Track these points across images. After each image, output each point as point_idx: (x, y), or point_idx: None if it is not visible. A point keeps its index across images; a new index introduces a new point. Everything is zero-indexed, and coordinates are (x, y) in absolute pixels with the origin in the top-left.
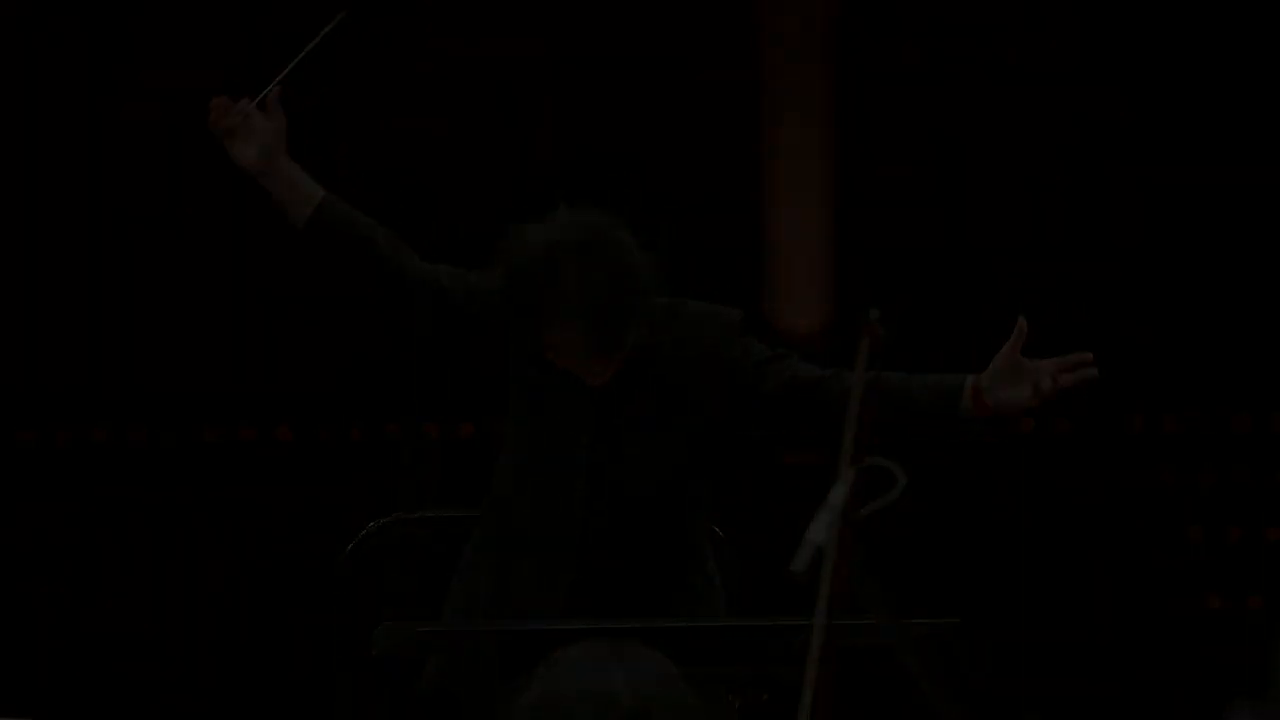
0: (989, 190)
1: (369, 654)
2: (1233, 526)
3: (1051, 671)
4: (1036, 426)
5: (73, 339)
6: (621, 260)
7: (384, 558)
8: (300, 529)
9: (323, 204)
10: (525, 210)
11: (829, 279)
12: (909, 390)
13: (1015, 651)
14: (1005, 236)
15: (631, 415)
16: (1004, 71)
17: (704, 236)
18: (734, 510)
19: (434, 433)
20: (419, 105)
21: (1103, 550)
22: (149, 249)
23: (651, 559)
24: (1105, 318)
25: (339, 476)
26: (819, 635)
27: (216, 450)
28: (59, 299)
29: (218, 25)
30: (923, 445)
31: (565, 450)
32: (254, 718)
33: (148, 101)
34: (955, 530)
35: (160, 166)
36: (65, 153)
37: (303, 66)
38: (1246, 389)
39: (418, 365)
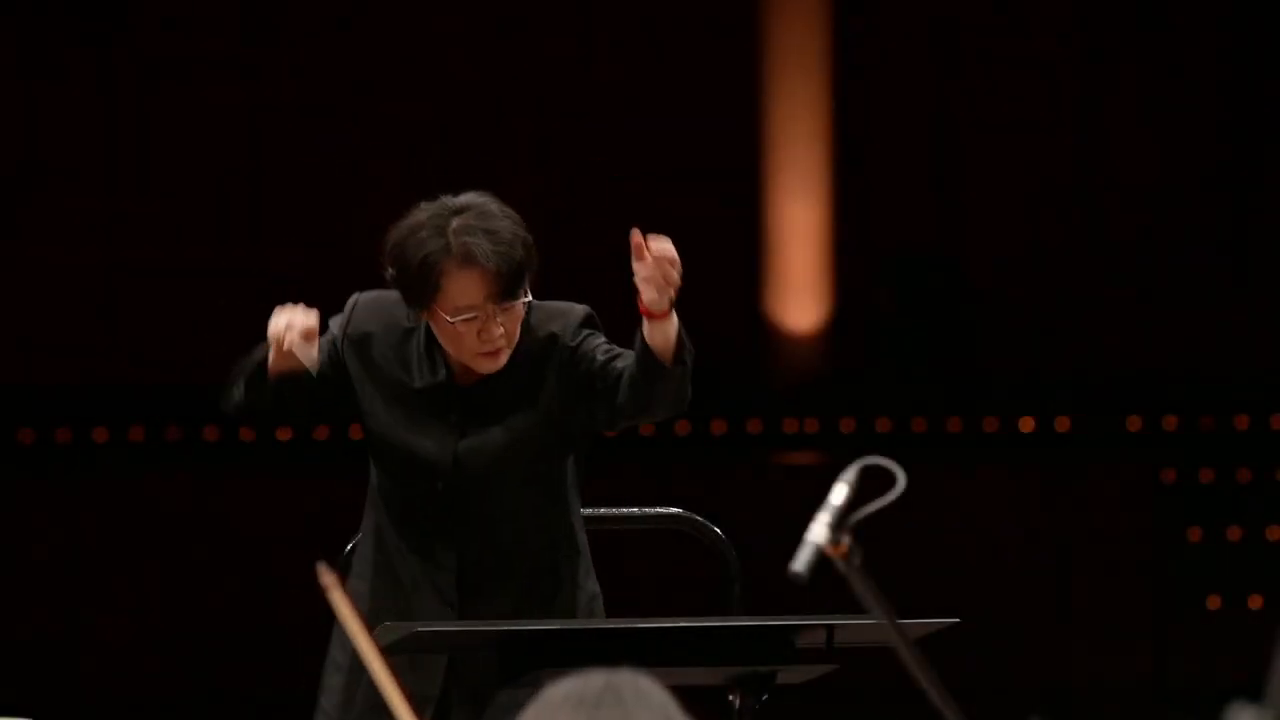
0: (989, 189)
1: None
2: (1232, 526)
3: (1052, 671)
4: (1036, 425)
5: (73, 339)
6: (507, 213)
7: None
8: (300, 529)
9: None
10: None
11: (829, 278)
12: (632, 375)
13: (1016, 651)
14: (1005, 236)
15: (494, 406)
16: (1004, 71)
17: (705, 236)
18: (734, 510)
19: None
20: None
21: (1103, 550)
22: (153, 246)
23: (524, 544)
24: (1105, 317)
25: (339, 476)
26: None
27: (217, 450)
28: (59, 294)
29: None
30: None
31: (436, 449)
32: (254, 717)
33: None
34: (955, 529)
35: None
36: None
37: None
38: (1246, 389)
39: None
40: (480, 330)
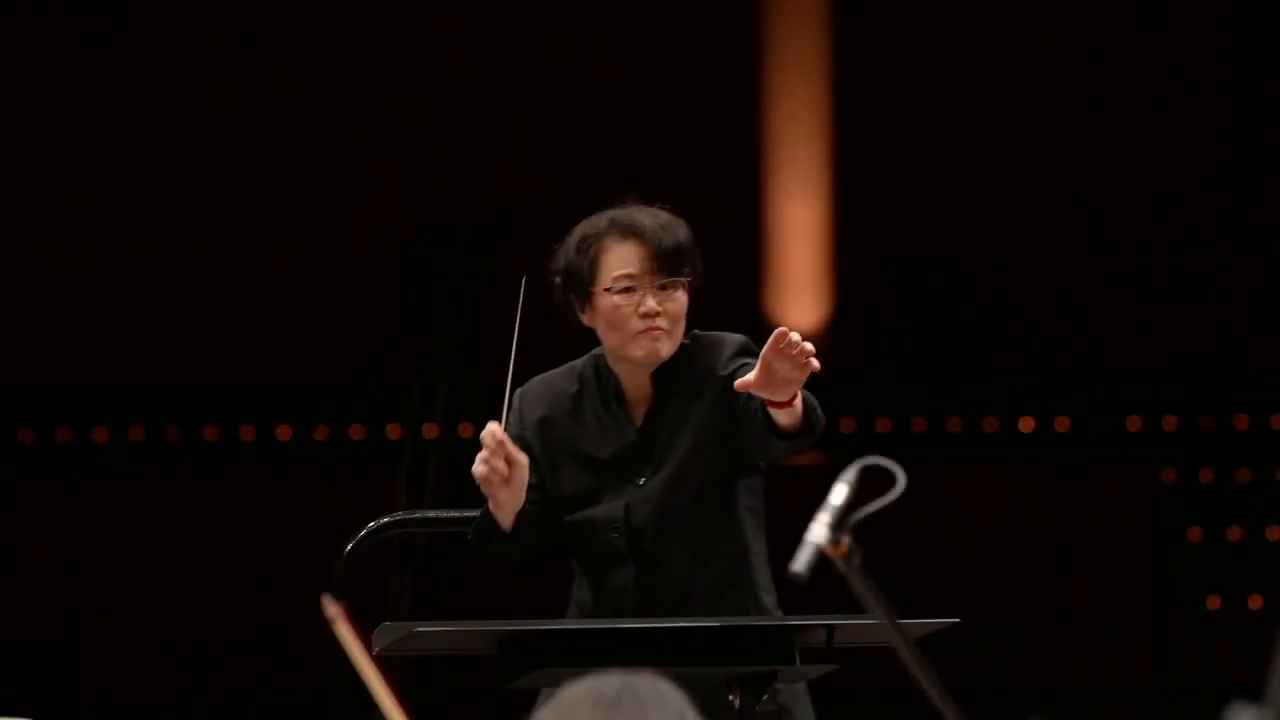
0: (989, 189)
1: (369, 654)
2: (1232, 526)
3: (1052, 671)
4: (1036, 425)
5: (73, 339)
6: (669, 211)
7: (384, 558)
8: (300, 529)
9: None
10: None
11: (829, 278)
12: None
13: (1016, 651)
14: (1005, 236)
15: (664, 445)
16: (1004, 71)
17: (705, 237)
18: None
19: (434, 433)
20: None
21: (1103, 550)
22: (153, 246)
23: (697, 577)
24: (1105, 317)
25: (339, 476)
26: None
27: (217, 449)
28: (59, 294)
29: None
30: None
31: (610, 504)
32: (254, 717)
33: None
34: (955, 529)
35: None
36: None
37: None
38: (1247, 389)
39: (418, 366)
40: (639, 305)
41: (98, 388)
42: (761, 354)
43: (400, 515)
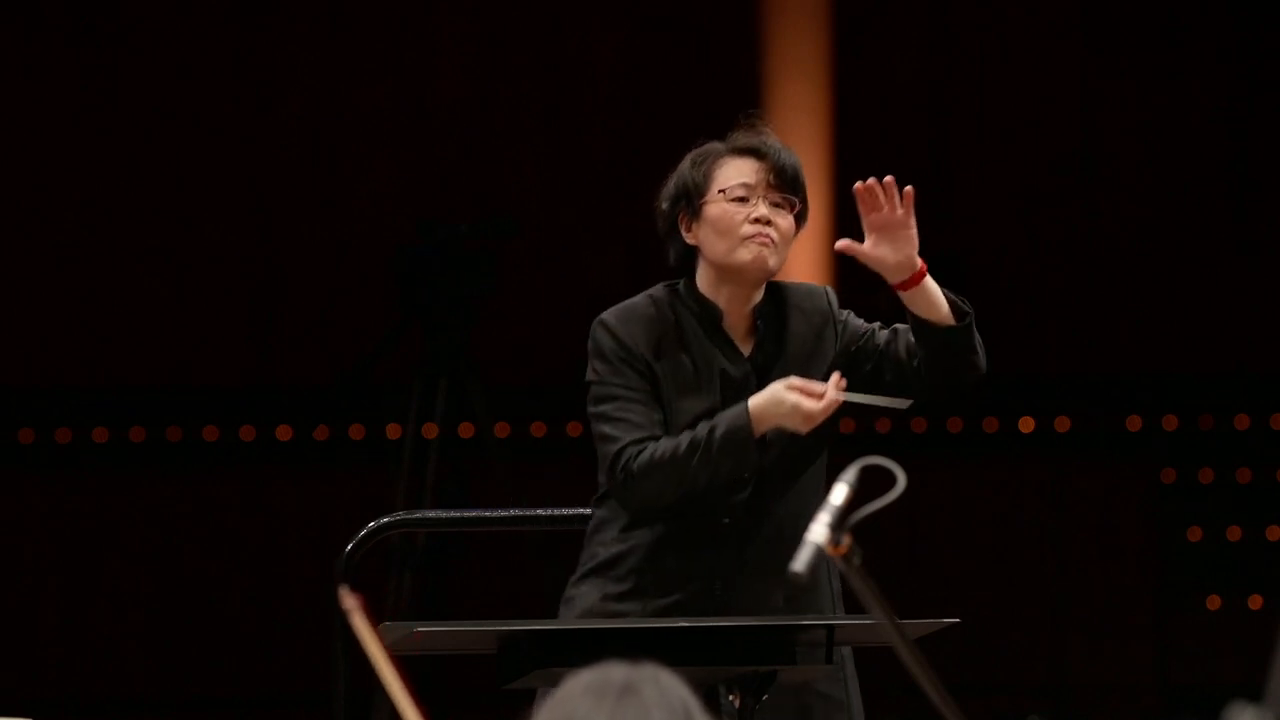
0: (988, 189)
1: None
2: (1232, 526)
3: (1052, 670)
4: (1036, 425)
5: (74, 337)
6: None
7: (384, 558)
8: (300, 529)
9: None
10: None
11: (829, 278)
12: (909, 341)
13: (1016, 651)
14: (1005, 236)
15: (775, 369)
16: (1003, 70)
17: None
18: None
19: (434, 433)
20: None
21: (1103, 550)
22: (153, 246)
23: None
24: (1105, 317)
25: (339, 476)
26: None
27: (217, 449)
28: (59, 294)
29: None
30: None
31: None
32: (254, 717)
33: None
34: (955, 529)
35: (167, 164)
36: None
37: None
38: (1247, 389)
39: (418, 367)
40: (751, 212)
41: (99, 388)
42: (865, 221)
43: (400, 515)
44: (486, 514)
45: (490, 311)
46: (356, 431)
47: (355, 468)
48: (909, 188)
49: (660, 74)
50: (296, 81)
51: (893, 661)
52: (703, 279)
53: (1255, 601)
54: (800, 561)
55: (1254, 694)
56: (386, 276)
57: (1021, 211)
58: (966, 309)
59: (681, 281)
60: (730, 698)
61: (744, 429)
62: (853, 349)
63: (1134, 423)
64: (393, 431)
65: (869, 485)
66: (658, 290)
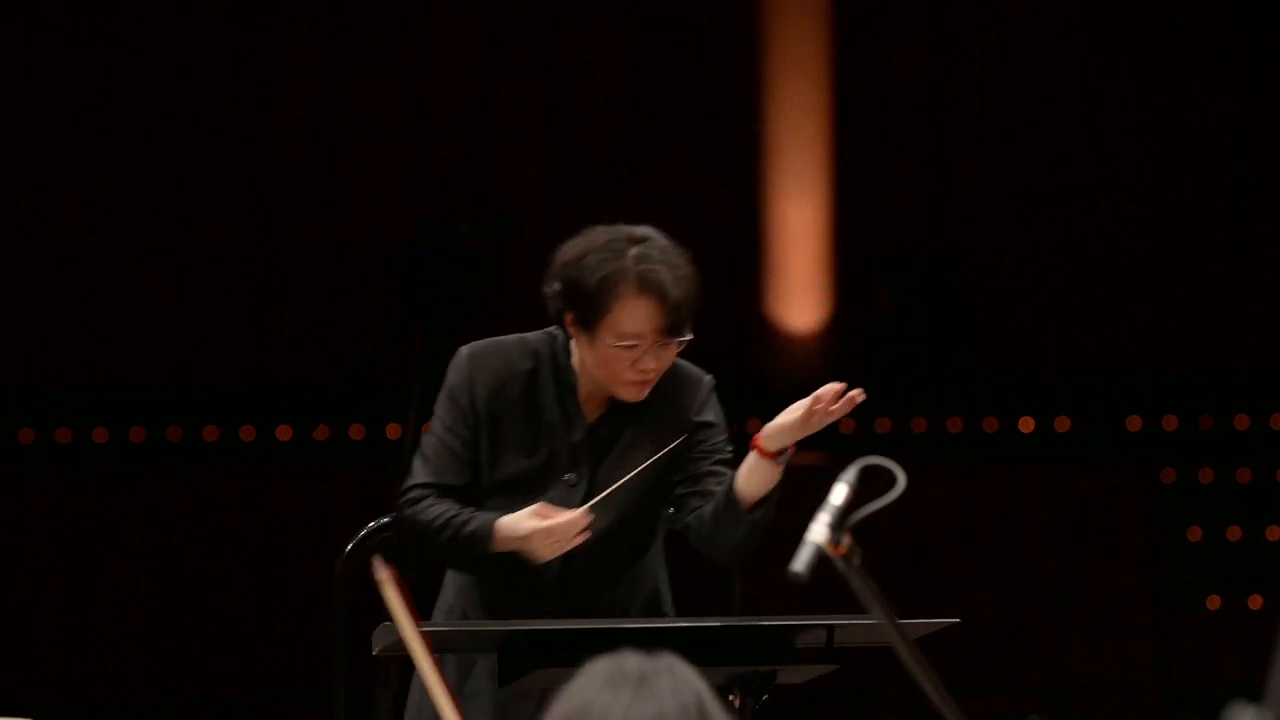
0: (988, 189)
1: (369, 654)
2: (1232, 526)
3: (1052, 669)
4: (1036, 425)
5: (74, 337)
6: (681, 252)
7: (384, 558)
8: (300, 529)
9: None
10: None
11: (829, 278)
12: (717, 523)
13: (1016, 650)
14: (1004, 236)
15: (617, 445)
16: (1003, 70)
17: (705, 237)
18: None
19: None
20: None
21: (1103, 550)
22: (153, 246)
23: (627, 555)
24: (1105, 317)
25: (339, 476)
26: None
27: (217, 449)
28: (59, 294)
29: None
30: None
31: (558, 491)
32: (254, 717)
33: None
34: (955, 529)
35: (168, 164)
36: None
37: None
38: (1247, 389)
39: (418, 367)
40: (637, 361)
41: (100, 388)
42: (805, 405)
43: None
44: None
45: (490, 311)
46: (356, 431)
47: (355, 468)
48: (858, 394)
49: (660, 74)
50: (296, 81)
51: (893, 661)
52: (576, 353)
53: (1255, 601)
54: (800, 561)
55: (1254, 694)
56: (386, 276)
57: (1021, 211)
58: (766, 512)
59: (561, 338)
60: (730, 698)
61: (485, 540)
62: (689, 456)
63: (1134, 423)
64: (393, 431)
65: (869, 485)
66: (536, 336)
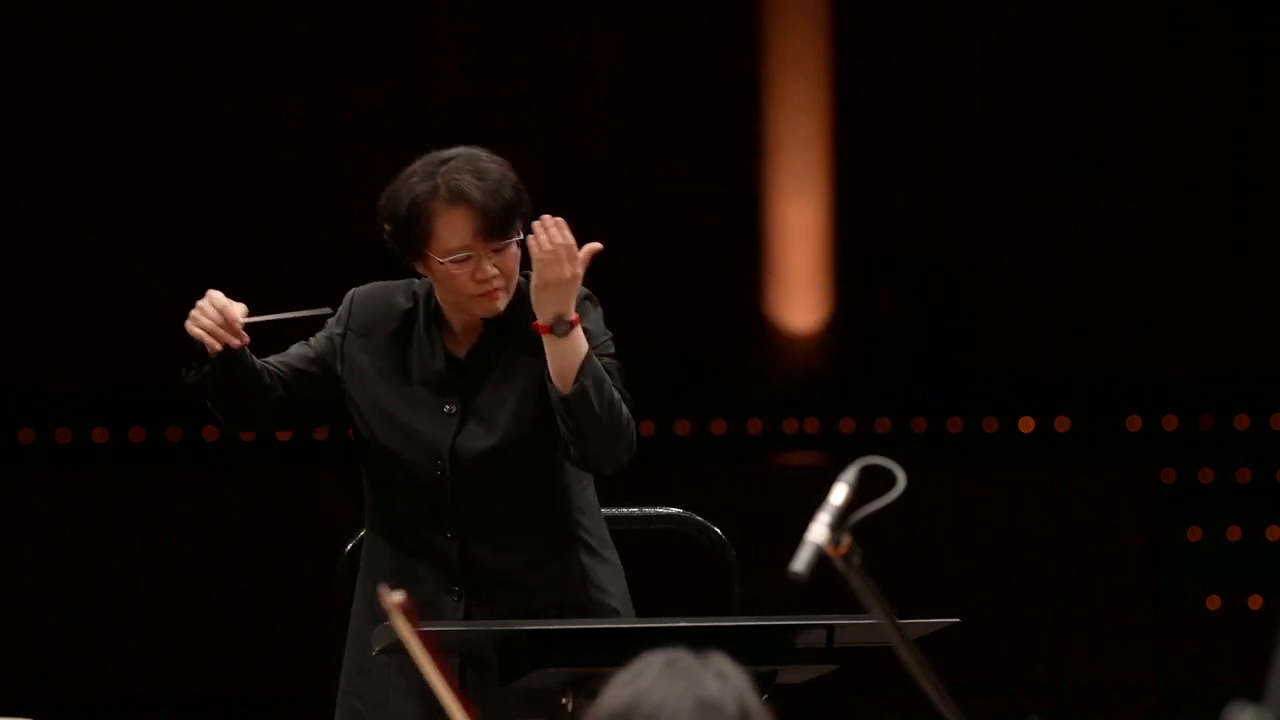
0: (988, 189)
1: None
2: (1232, 526)
3: (1051, 670)
4: (1036, 425)
5: (74, 337)
6: (495, 159)
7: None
8: (300, 529)
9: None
10: None
11: (829, 278)
12: (563, 426)
13: (1016, 650)
14: (1005, 236)
15: (490, 386)
16: (1003, 70)
17: (705, 237)
18: (734, 510)
19: None
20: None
21: (1103, 550)
22: (153, 246)
23: (526, 535)
24: (1105, 317)
25: (339, 476)
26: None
27: (217, 449)
28: (59, 294)
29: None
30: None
31: (433, 435)
32: (254, 717)
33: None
34: (955, 529)
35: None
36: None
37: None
38: (1247, 389)
39: None
40: (475, 271)
41: (100, 388)
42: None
43: None
44: None
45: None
46: (353, 431)
47: (355, 468)
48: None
49: (660, 74)
50: (296, 81)
51: (893, 661)
52: (439, 297)
53: (1255, 601)
54: (800, 561)
55: (1254, 694)
56: (386, 276)
57: (1021, 211)
58: (586, 385)
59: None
60: None
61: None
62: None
63: (1134, 423)
64: None
65: (869, 485)
66: (417, 282)
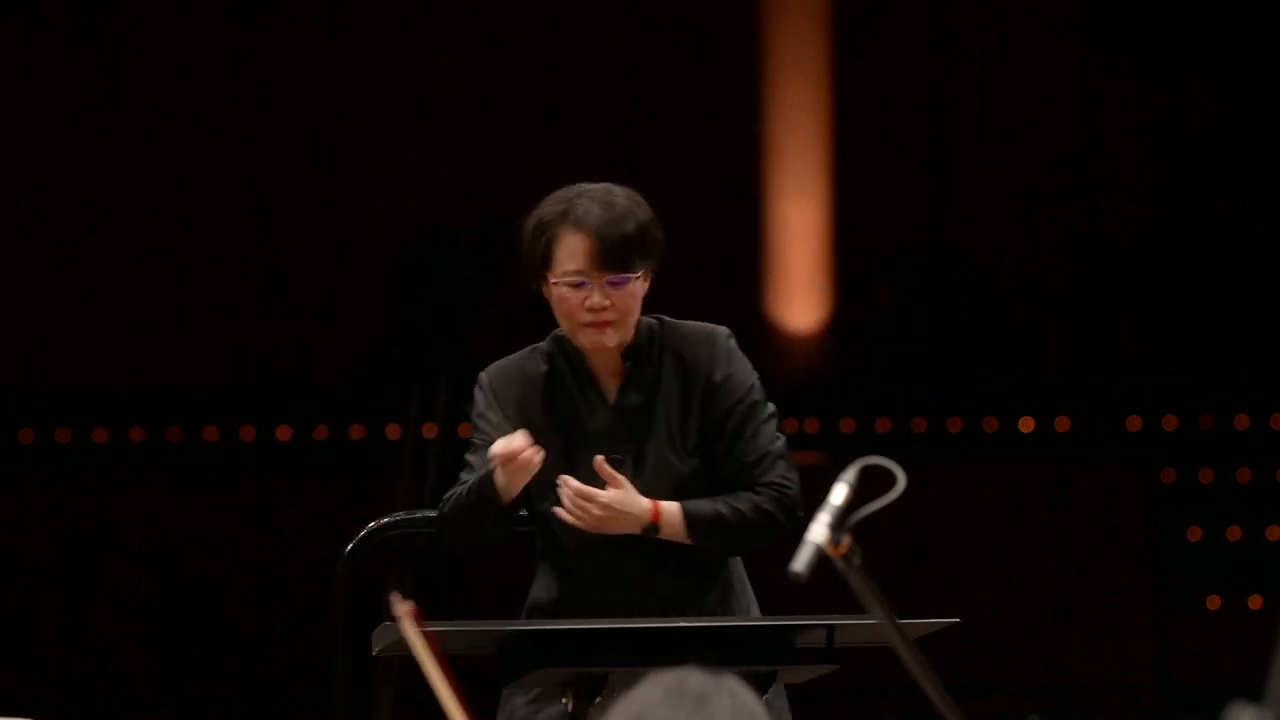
0: (988, 189)
1: (369, 654)
2: (1232, 526)
3: (1051, 670)
4: (1036, 425)
5: (74, 337)
6: (632, 196)
7: (384, 558)
8: (300, 529)
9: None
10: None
11: (829, 278)
12: None
13: (1016, 651)
14: (1004, 236)
15: (645, 422)
16: (1002, 70)
17: (705, 237)
18: None
19: (434, 433)
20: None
21: (1103, 550)
22: (153, 246)
23: (687, 554)
24: (1105, 317)
25: (339, 476)
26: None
27: (217, 449)
28: (59, 294)
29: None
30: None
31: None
32: (254, 716)
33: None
34: (955, 529)
35: (169, 166)
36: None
37: None
38: (1247, 389)
39: (418, 367)
40: (586, 298)
41: (100, 388)
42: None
43: (400, 515)
44: None
45: (490, 313)
46: (356, 431)
47: (355, 468)
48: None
49: (660, 74)
50: (296, 81)
51: (893, 661)
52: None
53: (1255, 601)
54: (800, 561)
55: (1254, 694)
56: (387, 276)
57: (1021, 211)
58: (703, 545)
59: (565, 335)
60: None
61: (488, 482)
62: (717, 415)
63: (1134, 423)
64: (393, 431)
65: (869, 485)
66: (543, 343)
